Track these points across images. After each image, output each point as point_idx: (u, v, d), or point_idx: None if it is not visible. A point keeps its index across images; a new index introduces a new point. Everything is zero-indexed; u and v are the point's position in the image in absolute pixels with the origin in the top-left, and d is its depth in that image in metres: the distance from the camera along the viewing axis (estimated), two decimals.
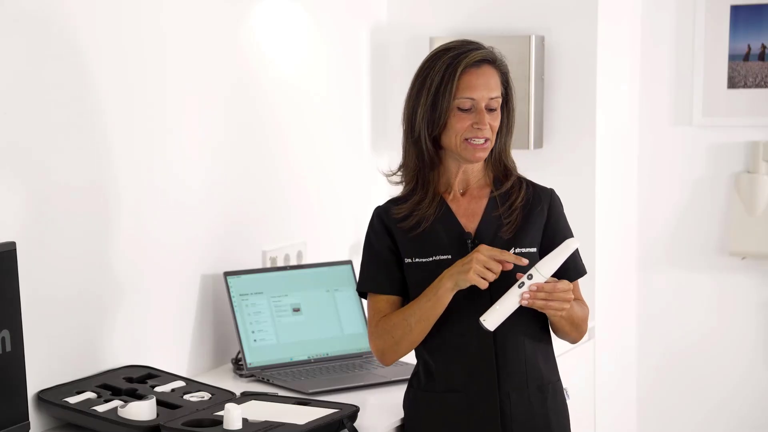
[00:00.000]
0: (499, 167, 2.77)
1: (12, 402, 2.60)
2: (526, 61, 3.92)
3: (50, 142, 2.77)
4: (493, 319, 2.58)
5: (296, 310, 3.41)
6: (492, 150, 2.74)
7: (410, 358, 2.82)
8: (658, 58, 4.27)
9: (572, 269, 2.71)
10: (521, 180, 2.78)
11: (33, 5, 2.71)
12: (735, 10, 4.15)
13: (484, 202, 2.74)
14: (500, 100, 2.69)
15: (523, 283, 2.58)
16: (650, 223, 4.34)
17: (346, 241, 3.97)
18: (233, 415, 2.64)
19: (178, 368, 3.20)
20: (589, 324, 3.88)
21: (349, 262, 3.52)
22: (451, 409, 2.69)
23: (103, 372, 2.95)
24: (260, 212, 3.57)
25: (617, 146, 4.20)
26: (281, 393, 3.04)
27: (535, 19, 4.01)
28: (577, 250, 2.66)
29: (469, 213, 2.73)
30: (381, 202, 2.81)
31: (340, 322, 3.44)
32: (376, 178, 3.28)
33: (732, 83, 4.17)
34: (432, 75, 2.67)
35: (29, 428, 2.66)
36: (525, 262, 2.59)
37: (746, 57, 4.16)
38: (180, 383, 2.96)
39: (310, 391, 3.06)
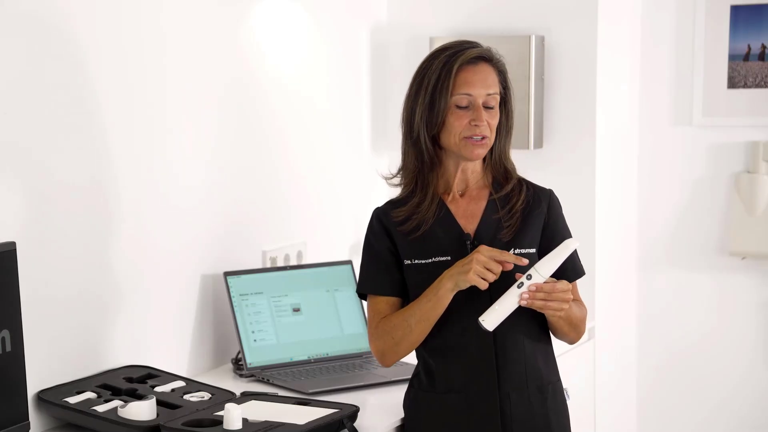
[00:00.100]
0: (499, 169, 2.77)
1: (12, 402, 2.60)
2: (526, 61, 3.92)
3: (50, 142, 2.77)
4: (492, 319, 2.58)
5: (296, 310, 3.41)
6: (492, 151, 2.74)
7: (410, 359, 2.82)
8: (658, 58, 4.27)
9: (571, 270, 2.71)
10: (521, 182, 2.77)
11: (33, 5, 2.71)
12: (735, 10, 4.15)
13: (483, 204, 2.74)
14: (498, 97, 2.69)
15: (522, 283, 2.58)
16: (650, 223, 4.34)
17: (346, 241, 3.97)
18: (233, 415, 2.64)
19: (178, 368, 3.20)
20: (589, 324, 3.90)
21: (349, 262, 3.53)
22: (451, 410, 2.70)
23: (103, 372, 2.95)
24: (260, 212, 3.57)
25: (617, 146, 4.20)
26: (281, 393, 3.04)
27: (535, 19, 4.01)
28: (575, 251, 2.66)
29: (468, 214, 2.73)
30: (380, 203, 2.81)
31: (340, 322, 3.44)
32: (376, 178, 3.27)
33: (732, 83, 4.17)
34: (429, 74, 2.68)
35: (29, 428, 2.66)
36: (525, 262, 2.59)
37: (746, 57, 4.16)
38: (180, 383, 2.96)
39: (310, 391, 3.06)
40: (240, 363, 3.31)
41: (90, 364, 2.93)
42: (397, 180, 2.78)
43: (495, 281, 2.58)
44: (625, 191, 4.31)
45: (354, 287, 3.40)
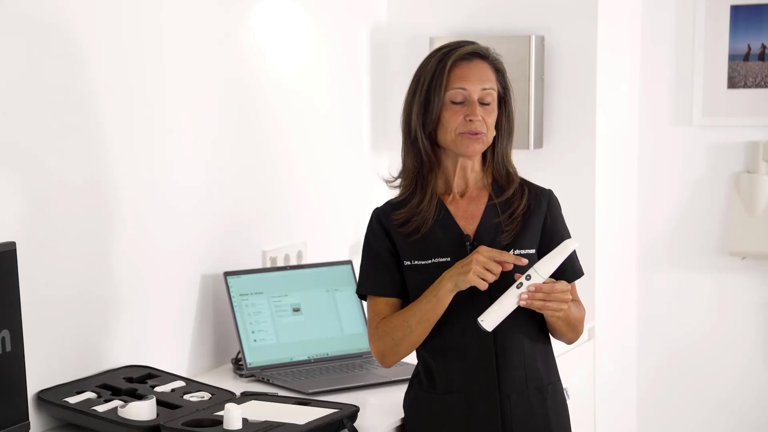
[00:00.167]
0: (501, 171, 2.75)
1: (12, 402, 2.60)
2: (526, 61, 3.92)
3: (50, 142, 2.77)
4: (491, 319, 2.58)
5: (296, 310, 3.41)
6: (493, 153, 2.74)
7: (410, 359, 2.82)
8: (658, 58, 4.28)
9: (570, 270, 2.71)
10: (523, 186, 2.76)
11: (33, 5, 2.71)
12: (735, 10, 4.15)
13: (482, 204, 2.74)
14: (494, 93, 2.68)
15: (521, 283, 2.57)
16: (650, 223, 4.34)
17: (346, 241, 3.97)
18: (233, 415, 2.64)
19: (178, 368, 3.20)
20: (589, 324, 3.90)
21: (349, 262, 3.53)
22: (451, 410, 2.70)
23: (103, 372, 2.95)
24: (260, 212, 3.57)
25: (617, 146, 4.20)
26: (281, 393, 3.04)
27: (535, 19, 4.01)
28: (574, 251, 2.66)
29: (467, 215, 2.73)
30: (380, 203, 2.80)
31: (340, 322, 3.44)
32: (376, 179, 3.27)
33: (732, 83, 4.17)
34: (425, 74, 2.69)
35: (29, 428, 2.66)
36: (525, 262, 2.59)
37: (746, 57, 4.16)
38: (180, 383, 2.96)
39: (310, 391, 3.06)
40: (240, 363, 3.31)
41: (90, 364, 2.93)
42: (398, 183, 2.78)
43: (495, 282, 2.58)
44: (625, 191, 4.31)
45: (354, 287, 3.40)
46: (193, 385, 2.97)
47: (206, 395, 2.90)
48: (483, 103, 2.67)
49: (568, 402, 2.84)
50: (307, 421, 2.68)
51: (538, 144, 4.00)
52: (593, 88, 3.98)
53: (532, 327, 2.71)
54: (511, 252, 2.66)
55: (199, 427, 2.65)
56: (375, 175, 3.38)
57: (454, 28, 4.10)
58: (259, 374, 3.24)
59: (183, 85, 3.21)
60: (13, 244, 2.59)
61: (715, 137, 4.23)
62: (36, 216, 2.73)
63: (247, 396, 2.93)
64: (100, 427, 2.70)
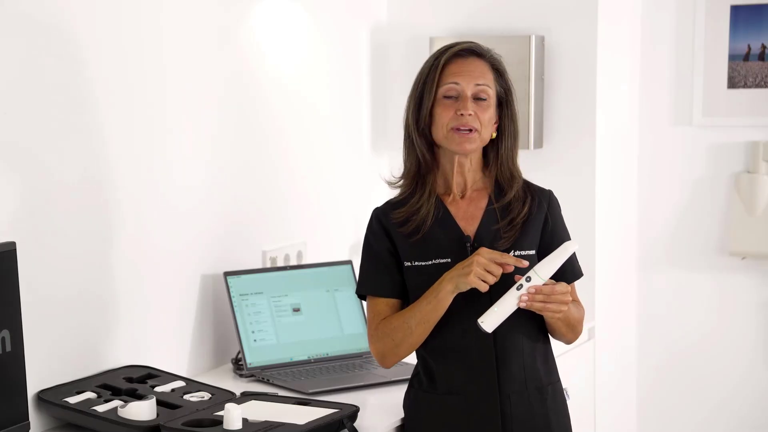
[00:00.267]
0: (505, 173, 2.74)
1: (12, 402, 2.60)
2: (526, 61, 3.92)
3: (50, 142, 2.77)
4: (491, 320, 2.58)
5: (296, 310, 3.41)
6: (498, 154, 2.72)
7: (410, 359, 2.81)
8: (658, 58, 4.28)
9: (569, 272, 2.71)
10: (525, 191, 2.75)
11: (33, 5, 2.71)
12: (735, 10, 4.15)
13: (483, 205, 2.73)
14: (490, 91, 2.66)
15: (521, 285, 2.57)
16: (650, 223, 4.34)
17: (346, 241, 3.97)
18: (233, 415, 2.64)
19: (178, 368, 3.20)
20: (589, 324, 3.90)
21: (349, 262, 3.53)
22: (451, 411, 2.69)
23: (103, 372, 2.95)
24: (260, 212, 3.57)
25: (617, 146, 4.20)
26: (281, 393, 3.04)
27: (535, 19, 4.01)
28: (574, 252, 2.65)
29: (468, 216, 2.72)
30: (380, 203, 2.80)
31: (340, 322, 3.44)
32: (376, 179, 3.27)
33: (732, 83, 4.17)
34: (421, 73, 2.69)
35: (29, 428, 2.66)
36: (525, 263, 2.59)
37: (746, 57, 4.16)
38: (180, 383, 2.96)
39: (310, 391, 3.06)
40: (240, 363, 3.31)
41: (90, 364, 2.93)
42: (400, 184, 2.77)
43: (495, 283, 2.58)
44: (625, 191, 4.31)
45: (354, 287, 3.40)
46: (193, 385, 2.97)
47: (206, 395, 2.90)
48: (478, 99, 2.66)
49: (568, 402, 2.84)
50: (307, 421, 2.68)
51: (538, 144, 4.00)
52: (593, 88, 3.98)
53: (532, 327, 2.71)
54: (512, 253, 2.66)
55: (199, 427, 2.65)
56: (375, 175, 3.39)
57: (454, 28, 4.10)
58: (259, 374, 3.24)
59: (183, 85, 3.21)
60: (13, 244, 2.59)
61: (715, 137, 4.23)
62: (36, 216, 2.73)
63: (247, 396, 2.93)
64: (100, 427, 2.70)
